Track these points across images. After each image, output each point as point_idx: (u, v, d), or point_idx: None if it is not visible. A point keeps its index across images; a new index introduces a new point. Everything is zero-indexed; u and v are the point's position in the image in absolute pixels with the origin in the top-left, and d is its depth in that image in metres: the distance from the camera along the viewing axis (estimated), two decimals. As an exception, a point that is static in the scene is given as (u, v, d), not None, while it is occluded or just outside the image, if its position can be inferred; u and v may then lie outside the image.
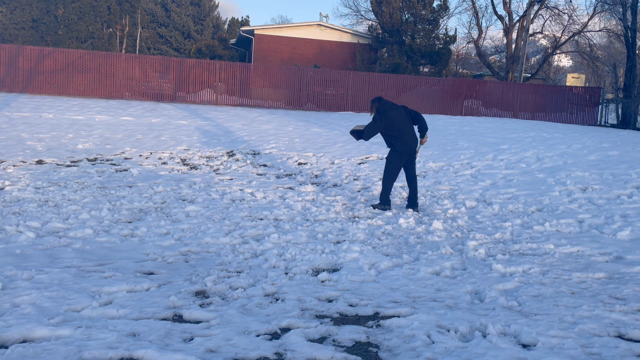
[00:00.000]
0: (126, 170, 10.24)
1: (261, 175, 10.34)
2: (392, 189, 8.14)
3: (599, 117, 22.98)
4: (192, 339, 3.29)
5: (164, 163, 11.10)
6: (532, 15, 29.63)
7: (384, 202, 7.58)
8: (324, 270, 4.81)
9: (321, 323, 3.58)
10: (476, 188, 8.81)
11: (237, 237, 5.89)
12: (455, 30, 45.10)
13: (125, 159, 11.32)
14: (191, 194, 8.26)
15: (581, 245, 5.70)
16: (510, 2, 32.16)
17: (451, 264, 5.03)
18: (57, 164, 10.40)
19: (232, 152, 12.42)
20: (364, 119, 18.35)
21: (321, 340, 3.37)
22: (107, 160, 11.16)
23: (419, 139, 7.72)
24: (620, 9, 22.31)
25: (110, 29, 33.19)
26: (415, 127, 7.69)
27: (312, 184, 9.55)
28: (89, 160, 10.94)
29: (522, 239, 6.05)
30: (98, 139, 12.93)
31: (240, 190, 8.66)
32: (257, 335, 3.36)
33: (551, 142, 12.12)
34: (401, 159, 7.55)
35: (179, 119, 16.44)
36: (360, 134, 7.68)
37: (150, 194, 8.17)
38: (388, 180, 7.60)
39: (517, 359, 3.11)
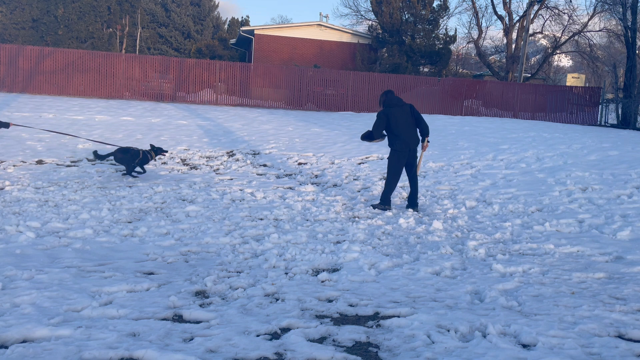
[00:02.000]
0: (126, 170, 10.23)
1: (261, 175, 10.34)
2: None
3: (599, 117, 22.98)
4: (192, 339, 3.29)
5: (164, 163, 11.10)
6: (532, 15, 29.63)
7: (385, 202, 7.58)
8: (324, 270, 4.81)
9: (321, 323, 3.58)
10: (476, 188, 8.81)
11: (237, 237, 5.89)
12: (455, 30, 45.15)
13: (125, 159, 11.31)
14: (191, 194, 8.26)
15: (581, 245, 5.70)
16: (510, 2, 32.18)
17: (451, 264, 5.03)
18: (57, 164, 10.40)
19: (232, 152, 12.42)
20: (364, 118, 18.34)
21: (321, 340, 3.37)
22: (107, 160, 11.15)
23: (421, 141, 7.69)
24: (620, 9, 22.30)
25: (110, 29, 33.18)
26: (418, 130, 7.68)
27: (312, 184, 9.55)
28: (89, 160, 10.94)
29: (522, 239, 6.05)
30: (98, 139, 12.93)
31: (240, 190, 8.67)
32: (257, 335, 3.36)
33: (551, 142, 12.12)
34: (401, 158, 7.54)
35: (179, 119, 16.44)
36: (370, 135, 7.66)
37: (150, 194, 8.17)
38: (391, 180, 7.60)
39: (517, 359, 3.11)
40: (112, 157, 9.35)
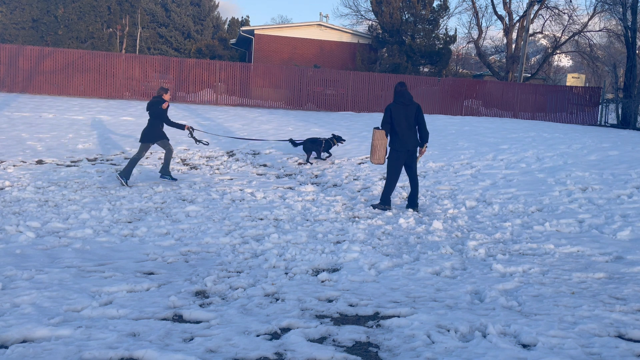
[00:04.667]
0: (126, 170, 10.23)
1: (261, 175, 10.34)
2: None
3: (599, 117, 22.96)
4: (192, 339, 3.29)
5: (164, 163, 11.09)
6: (532, 15, 29.63)
7: (385, 202, 7.58)
8: (324, 270, 4.81)
9: (321, 323, 3.58)
10: (476, 188, 8.81)
11: (237, 237, 5.89)
12: (455, 30, 45.15)
13: (126, 159, 11.32)
14: (191, 194, 8.26)
15: (581, 245, 5.70)
16: (510, 2, 32.16)
17: (451, 264, 5.03)
18: (57, 164, 10.40)
19: (232, 152, 12.42)
20: (364, 119, 18.34)
21: (321, 340, 3.37)
22: (107, 160, 11.15)
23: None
24: (620, 9, 22.29)
25: (110, 29, 33.14)
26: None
27: (312, 184, 9.55)
28: (89, 160, 10.94)
29: (522, 239, 6.05)
30: (98, 139, 12.93)
31: (240, 190, 8.67)
32: (257, 335, 3.36)
33: (551, 142, 12.12)
34: (399, 158, 7.52)
35: (179, 119, 16.42)
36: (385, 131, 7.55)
37: (150, 194, 8.17)
38: (389, 179, 7.60)
39: (517, 359, 3.11)
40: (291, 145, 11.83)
